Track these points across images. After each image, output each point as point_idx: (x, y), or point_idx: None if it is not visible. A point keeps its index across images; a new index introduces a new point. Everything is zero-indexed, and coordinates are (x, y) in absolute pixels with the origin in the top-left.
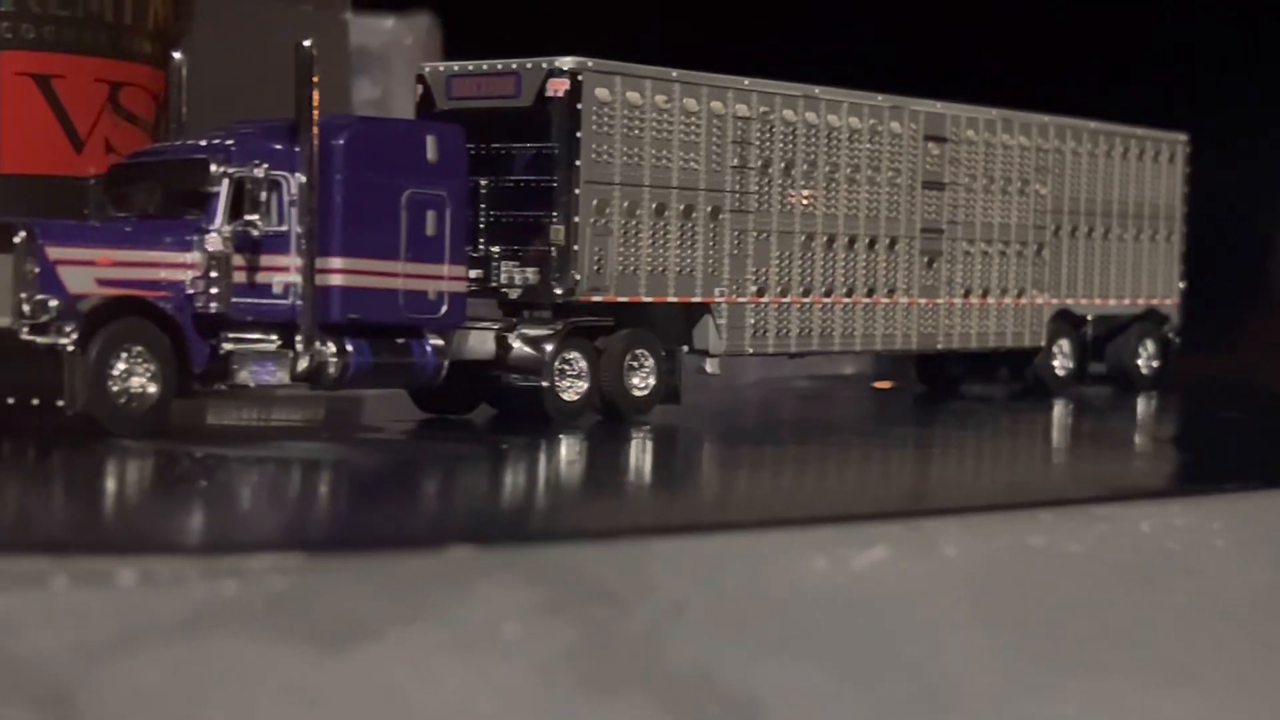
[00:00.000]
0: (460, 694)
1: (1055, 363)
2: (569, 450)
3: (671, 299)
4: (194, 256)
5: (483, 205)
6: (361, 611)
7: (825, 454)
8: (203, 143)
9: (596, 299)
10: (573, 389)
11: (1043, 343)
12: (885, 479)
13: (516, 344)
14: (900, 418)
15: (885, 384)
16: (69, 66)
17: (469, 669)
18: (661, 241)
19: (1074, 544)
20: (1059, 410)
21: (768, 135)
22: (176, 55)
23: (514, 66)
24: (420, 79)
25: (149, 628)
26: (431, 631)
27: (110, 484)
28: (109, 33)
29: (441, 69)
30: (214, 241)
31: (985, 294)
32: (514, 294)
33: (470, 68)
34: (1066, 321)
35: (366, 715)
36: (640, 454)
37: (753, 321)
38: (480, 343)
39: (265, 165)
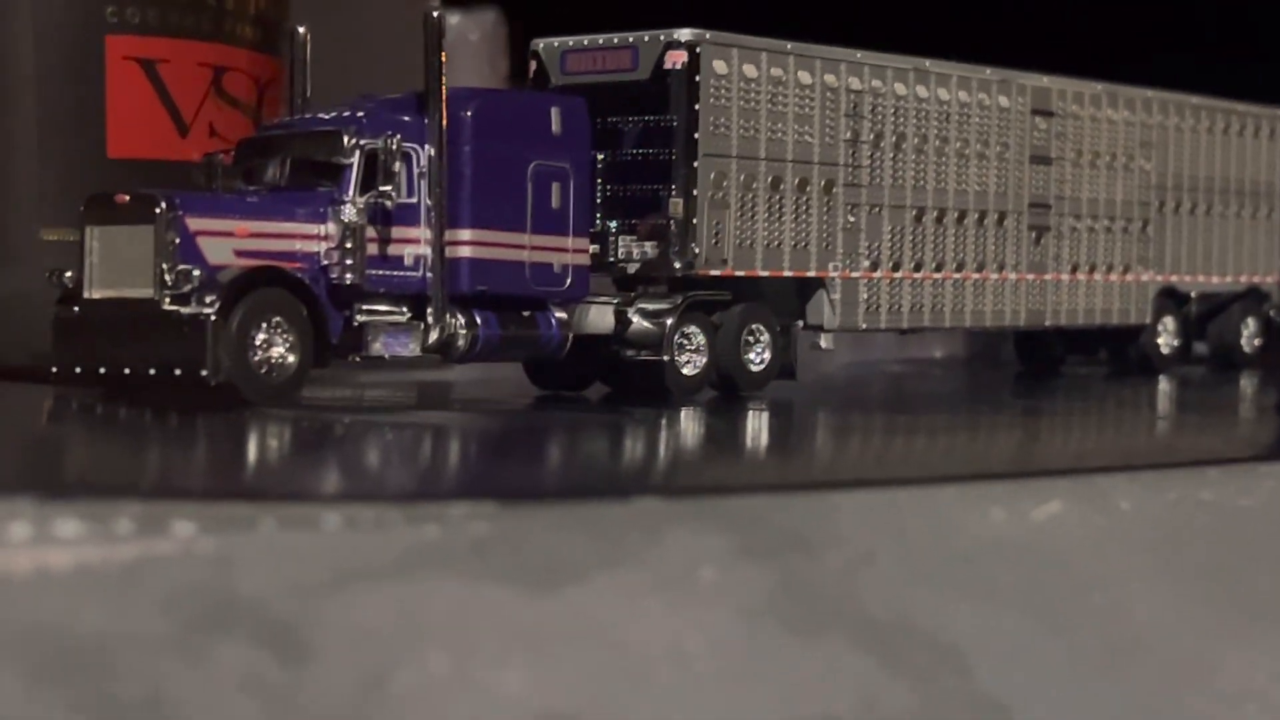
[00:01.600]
0: (670, 633)
1: (1160, 340)
2: (711, 418)
3: (787, 273)
4: (328, 228)
5: (600, 179)
6: (563, 555)
7: (965, 421)
8: (334, 115)
9: (714, 273)
10: (691, 364)
11: (1148, 320)
12: (1039, 441)
13: (636, 318)
14: (1015, 392)
15: None
16: (174, 51)
17: (674, 610)
18: (777, 216)
19: (1245, 499)
20: (1170, 385)
21: (879, 109)
22: (300, 29)
23: (630, 40)
24: (534, 55)
25: (362, 569)
26: (634, 574)
27: (276, 442)
28: (212, 17)
29: (556, 44)
30: (348, 213)
31: (1091, 270)
32: (632, 268)
33: (585, 42)
34: (1170, 299)
35: (582, 650)
36: (785, 421)
37: (865, 297)
38: (600, 317)
39: (396, 137)
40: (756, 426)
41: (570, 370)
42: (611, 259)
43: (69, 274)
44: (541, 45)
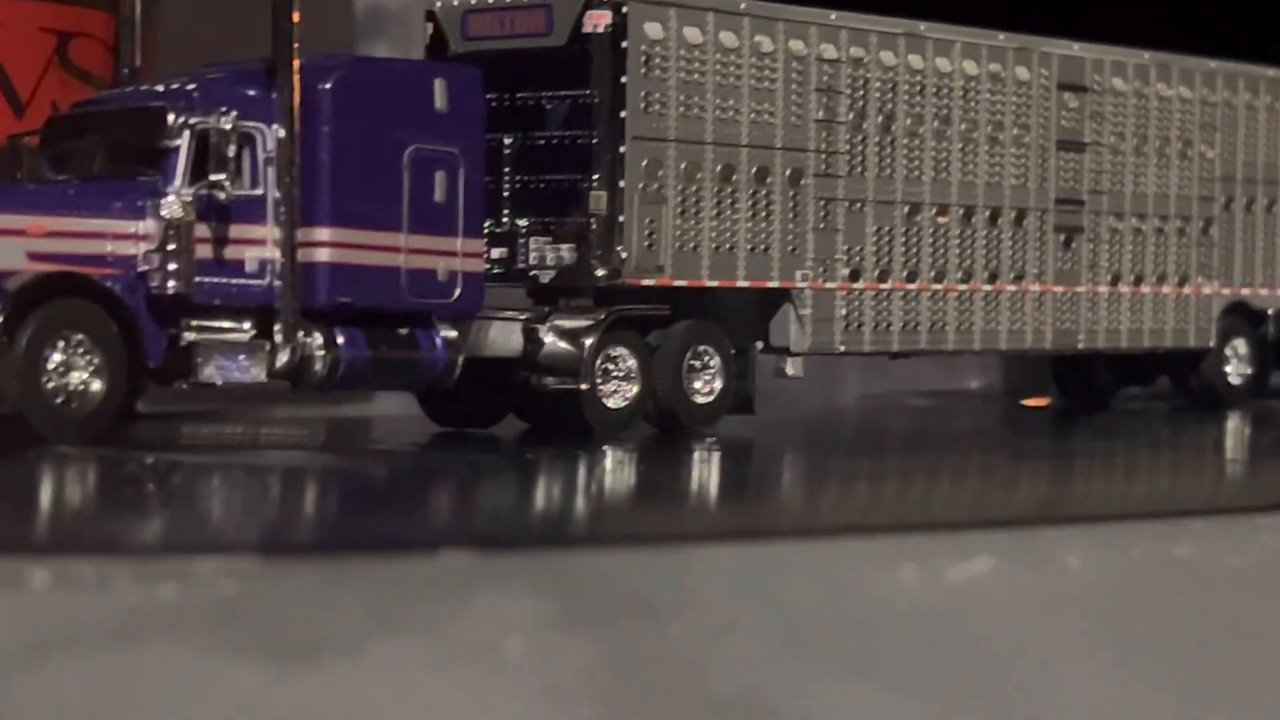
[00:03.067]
0: (447, 718)
1: (1228, 368)
2: (609, 461)
3: (742, 284)
4: (147, 225)
5: (507, 169)
6: (329, 621)
7: (926, 466)
8: (160, 89)
9: (648, 283)
10: (619, 393)
11: (1212, 343)
12: (1001, 488)
13: (549, 338)
14: (1031, 431)
15: (1040, 401)
16: (7, 13)
17: (462, 690)
18: (729, 213)
19: (1232, 556)
20: (1233, 424)
21: (861, 82)
22: None
23: None
24: (430, 15)
25: (67, 635)
26: (417, 645)
27: (36, 485)
28: None
29: (455, 2)
30: (172, 207)
31: (1138, 281)
32: (546, 277)
33: (491, 1)
34: (1242, 317)
35: None
36: (693, 462)
37: (844, 313)
38: (504, 336)
39: (235, 114)
40: (655, 470)
41: (474, 402)
42: (522, 265)
43: None
44: (440, 4)
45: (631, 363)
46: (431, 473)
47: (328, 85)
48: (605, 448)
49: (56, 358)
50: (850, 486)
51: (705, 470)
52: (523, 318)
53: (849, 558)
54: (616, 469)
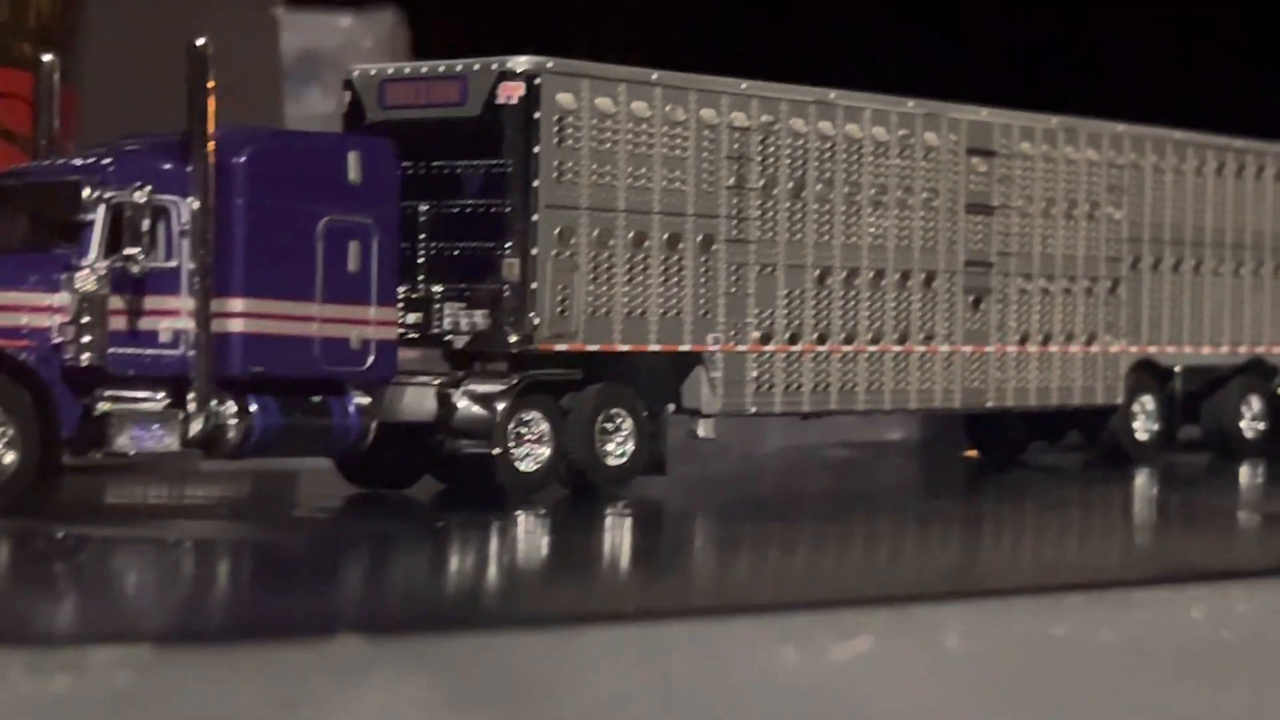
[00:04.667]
0: None
1: (1136, 424)
2: (510, 526)
3: (654, 348)
4: (62, 298)
5: (423, 235)
6: (224, 710)
7: (826, 533)
8: (76, 162)
9: (560, 348)
10: (531, 457)
11: (1119, 399)
12: (885, 559)
13: (462, 402)
14: (934, 490)
15: (974, 452)
16: None
17: None
18: (641, 278)
19: (1106, 632)
20: (1137, 482)
21: (772, 149)
22: (46, 57)
23: (459, 69)
24: (348, 84)
25: None
26: None
27: None
28: None
29: (373, 72)
30: (85, 280)
31: (1047, 340)
32: (460, 342)
33: (407, 70)
34: (1150, 374)
35: None
36: (595, 532)
37: (755, 375)
38: (418, 401)
39: (149, 188)
40: (556, 539)
41: (390, 463)
42: (437, 330)
43: None
44: (356, 73)
45: (544, 426)
46: (336, 546)
47: (242, 159)
48: (516, 513)
49: None
50: (743, 559)
51: (604, 541)
52: (436, 383)
53: (738, 636)
54: (518, 540)
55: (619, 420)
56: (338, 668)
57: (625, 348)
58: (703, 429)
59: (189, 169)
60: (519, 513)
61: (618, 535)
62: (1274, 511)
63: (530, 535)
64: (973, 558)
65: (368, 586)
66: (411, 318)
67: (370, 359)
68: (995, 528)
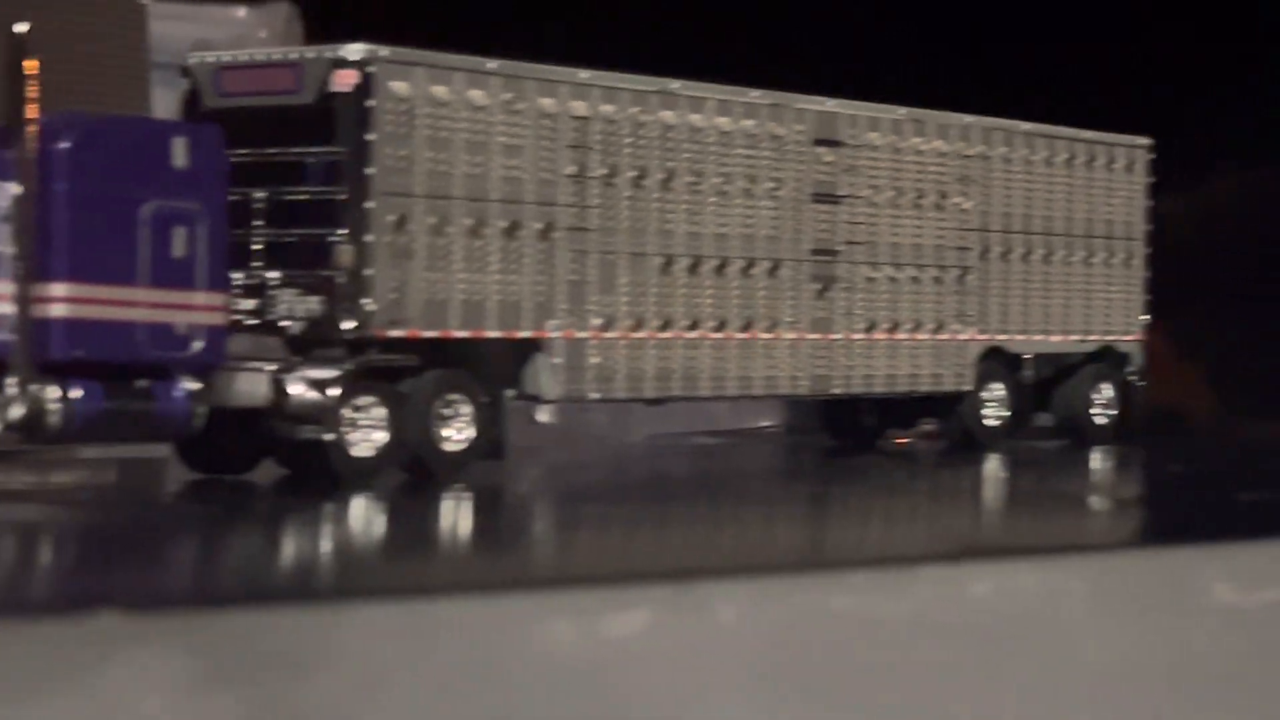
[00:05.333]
0: None
1: (986, 410)
2: (328, 511)
3: (493, 334)
4: None
5: (259, 223)
6: None
7: (640, 515)
8: None
9: (397, 334)
10: (367, 442)
11: (969, 386)
12: (684, 539)
13: (296, 388)
14: (772, 474)
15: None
16: None
17: None
18: (479, 265)
19: (890, 606)
20: (976, 467)
21: (614, 138)
22: None
23: (294, 56)
24: (185, 71)
25: None
26: (52, 708)
27: None
28: None
29: (210, 59)
30: None
31: (894, 328)
32: (296, 328)
33: (244, 58)
34: (1000, 361)
35: None
36: (403, 515)
37: (597, 361)
38: (252, 386)
39: None
40: (343, 519)
41: (228, 449)
42: (273, 317)
43: None
44: (194, 61)
45: (380, 412)
46: (142, 528)
47: (65, 144)
48: (346, 498)
49: None
50: (540, 538)
51: (407, 524)
52: (270, 368)
53: (500, 614)
54: (321, 523)
55: (458, 406)
56: (97, 642)
57: (463, 334)
58: (543, 414)
59: (10, 153)
60: (349, 498)
61: (424, 518)
62: (1085, 494)
63: (331, 518)
64: (773, 537)
65: (149, 566)
66: (249, 304)
67: (197, 344)
68: (811, 509)
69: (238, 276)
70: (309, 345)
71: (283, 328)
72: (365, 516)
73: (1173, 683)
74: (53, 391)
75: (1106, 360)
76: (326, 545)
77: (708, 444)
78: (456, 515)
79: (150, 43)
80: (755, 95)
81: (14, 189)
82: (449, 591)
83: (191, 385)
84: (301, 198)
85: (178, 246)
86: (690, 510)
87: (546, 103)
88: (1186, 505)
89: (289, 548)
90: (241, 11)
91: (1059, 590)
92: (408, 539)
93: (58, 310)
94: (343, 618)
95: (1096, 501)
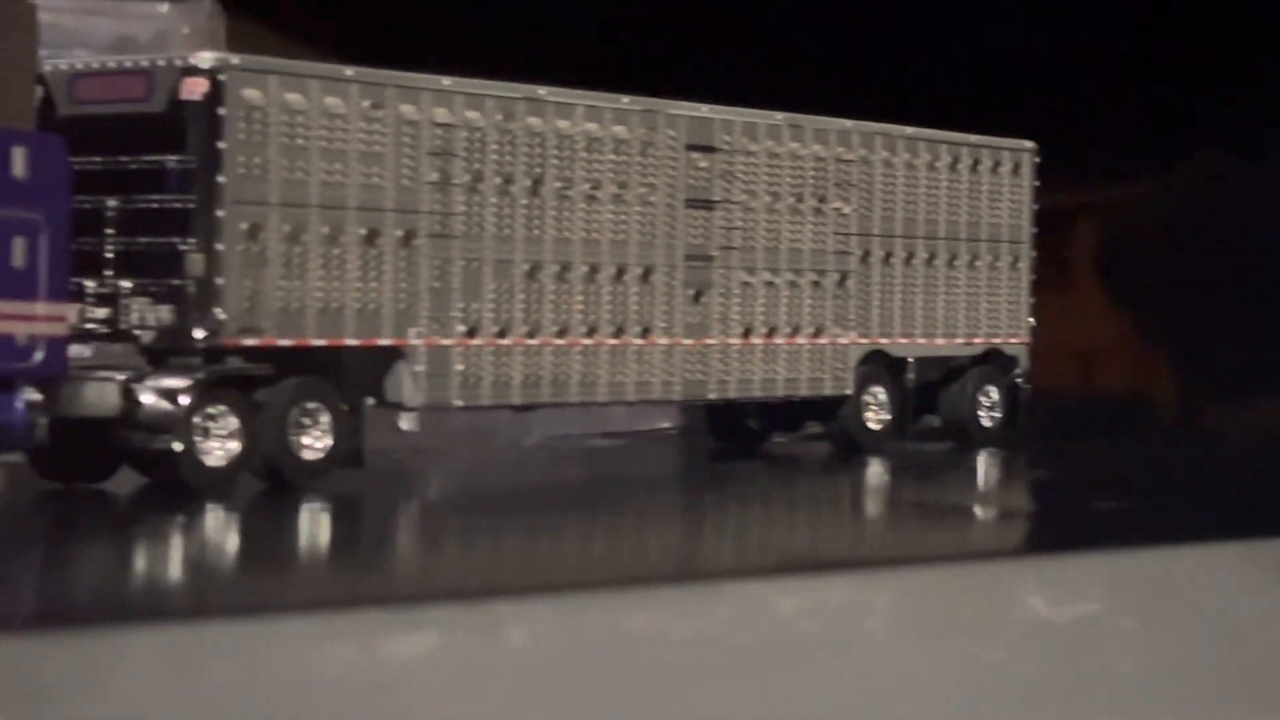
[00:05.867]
0: None
1: (868, 414)
2: (162, 524)
3: (351, 342)
4: None
5: (112, 231)
6: None
7: (476, 526)
8: None
9: (250, 343)
10: (220, 451)
11: (849, 390)
12: (496, 555)
13: (146, 397)
14: (639, 480)
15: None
16: None
17: None
18: (337, 273)
19: (686, 625)
20: (850, 473)
21: (478, 145)
22: None
23: (145, 64)
24: (39, 79)
25: None
26: None
27: None
28: None
29: (64, 67)
30: None
31: (772, 333)
32: (147, 337)
33: (96, 65)
34: (882, 365)
35: None
36: (190, 529)
37: (461, 368)
38: (100, 396)
39: None
40: (148, 535)
41: (82, 458)
42: (125, 326)
43: None
44: (48, 67)
45: (233, 421)
46: None
47: None
48: (177, 512)
49: None
50: (344, 560)
51: (221, 539)
52: (120, 378)
53: (268, 638)
54: (133, 541)
55: (316, 414)
56: None
57: (320, 342)
58: (405, 422)
59: None
60: (168, 510)
61: (246, 531)
62: (934, 502)
63: (141, 535)
64: (590, 551)
65: None
66: (100, 313)
67: (39, 355)
68: (650, 520)
69: (91, 285)
70: (163, 354)
71: (135, 337)
72: (165, 535)
73: (968, 701)
74: None
75: (992, 363)
76: (110, 567)
77: (598, 447)
78: (272, 530)
79: (37, 45)
80: (626, 102)
81: None
82: (220, 615)
83: (32, 396)
84: (154, 206)
85: (18, 257)
86: (526, 522)
87: (407, 110)
88: (1030, 515)
89: (71, 570)
90: (164, 7)
91: (862, 606)
92: (194, 558)
93: None
94: (103, 643)
95: (939, 511)
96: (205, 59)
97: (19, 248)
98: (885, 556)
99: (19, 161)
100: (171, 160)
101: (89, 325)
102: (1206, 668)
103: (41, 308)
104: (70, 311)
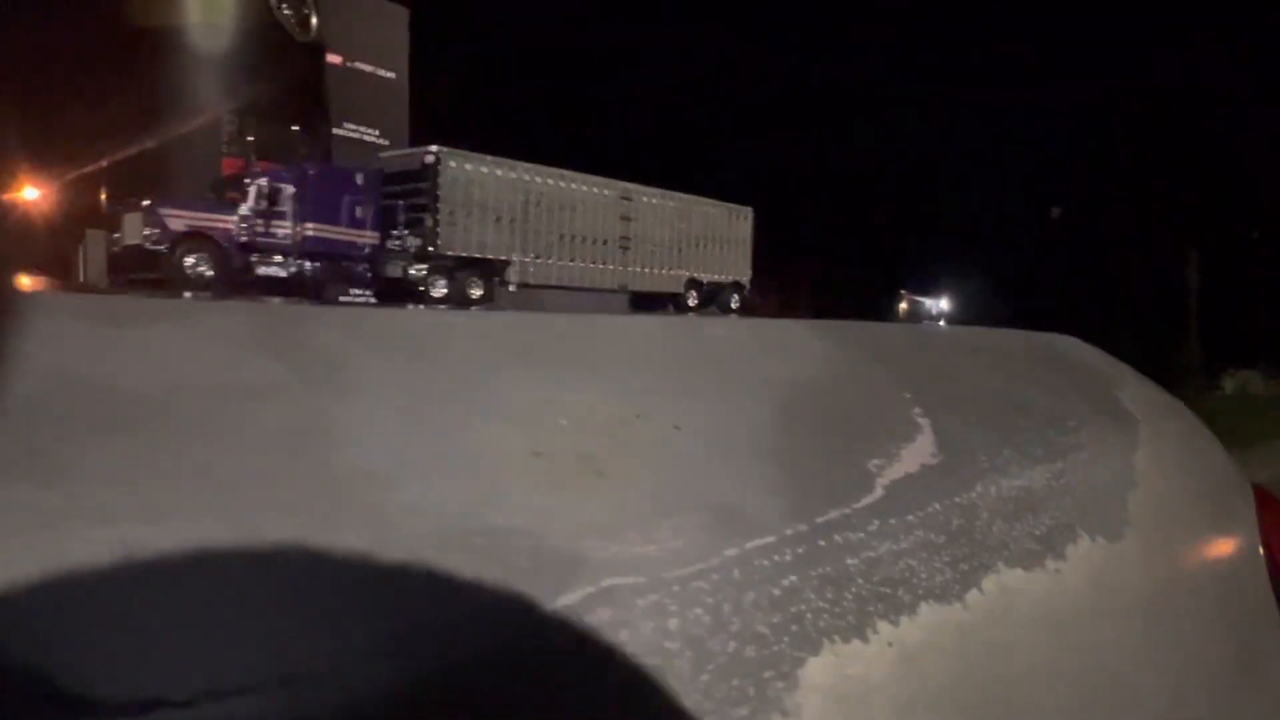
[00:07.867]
0: None
1: (690, 301)
2: None
3: (489, 256)
4: None
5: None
6: None
7: None
8: None
9: (449, 252)
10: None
11: (681, 290)
12: None
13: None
14: None
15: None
16: None
17: None
18: (491, 231)
19: None
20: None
21: (555, 205)
22: None
23: (413, 149)
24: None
25: None
26: None
27: None
28: None
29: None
30: None
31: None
32: (410, 247)
33: (396, 152)
34: (695, 284)
35: None
36: None
37: (520, 275)
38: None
39: None
40: None
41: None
42: (397, 246)
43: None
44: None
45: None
46: None
47: None
48: None
49: None
50: None
51: None
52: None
53: None
54: None
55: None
56: None
57: (478, 255)
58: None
59: None
60: None
61: None
62: None
63: None
64: None
65: None
66: (392, 242)
67: (367, 250)
68: None
69: (393, 231)
70: (417, 257)
71: (404, 249)
72: None
73: None
74: None
75: (734, 286)
76: None
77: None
78: None
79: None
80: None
81: None
82: None
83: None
84: (415, 202)
85: (360, 214)
86: None
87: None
88: None
89: None
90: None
91: None
92: None
93: None
94: None
95: None
96: (433, 149)
97: (360, 211)
98: None
99: (360, 179)
100: (423, 185)
101: (389, 245)
102: None
103: (368, 235)
104: (376, 236)
